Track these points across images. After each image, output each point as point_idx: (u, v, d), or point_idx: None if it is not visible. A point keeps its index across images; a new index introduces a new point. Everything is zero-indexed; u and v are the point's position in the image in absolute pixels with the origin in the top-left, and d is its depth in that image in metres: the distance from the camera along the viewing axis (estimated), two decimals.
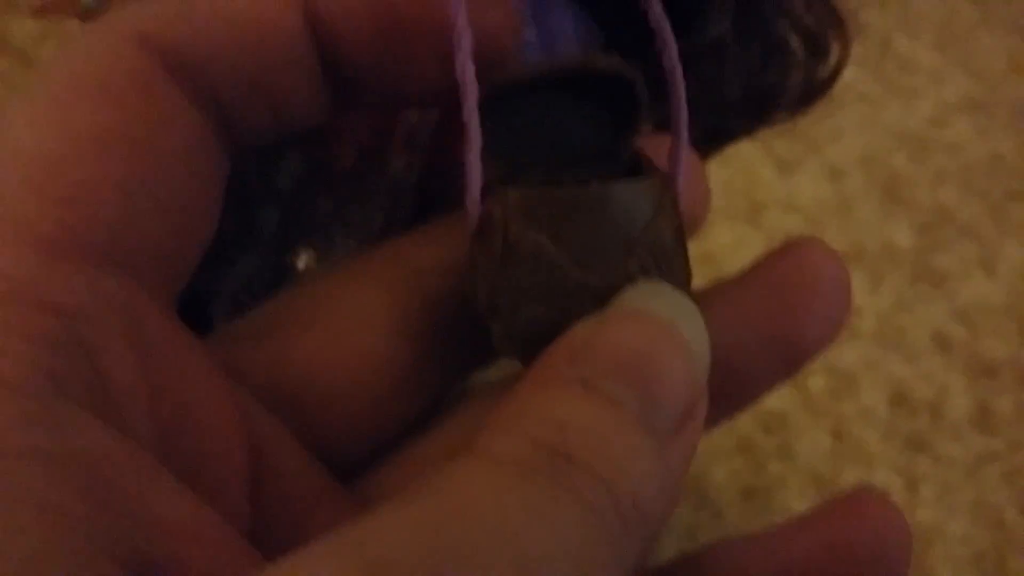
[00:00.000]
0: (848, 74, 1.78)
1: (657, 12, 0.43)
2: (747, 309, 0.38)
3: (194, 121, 0.32)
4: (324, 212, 0.63)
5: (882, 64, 1.83)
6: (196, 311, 0.64)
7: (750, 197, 1.55)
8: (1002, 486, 1.31)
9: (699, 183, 0.46)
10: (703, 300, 0.38)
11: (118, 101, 0.30)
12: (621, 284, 0.39)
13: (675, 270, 0.40)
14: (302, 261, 0.63)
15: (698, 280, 1.24)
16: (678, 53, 0.52)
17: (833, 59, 0.71)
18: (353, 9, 0.34)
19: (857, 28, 0.72)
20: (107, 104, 0.30)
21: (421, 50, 0.36)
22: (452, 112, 0.55)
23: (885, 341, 1.43)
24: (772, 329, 0.40)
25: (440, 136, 0.62)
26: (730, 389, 0.38)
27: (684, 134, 0.45)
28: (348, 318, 0.37)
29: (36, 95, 0.31)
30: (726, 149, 0.75)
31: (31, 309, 0.26)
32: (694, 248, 1.17)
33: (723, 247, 1.48)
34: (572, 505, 0.26)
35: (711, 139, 0.74)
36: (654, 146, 0.44)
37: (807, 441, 1.29)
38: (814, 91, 0.72)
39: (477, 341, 0.37)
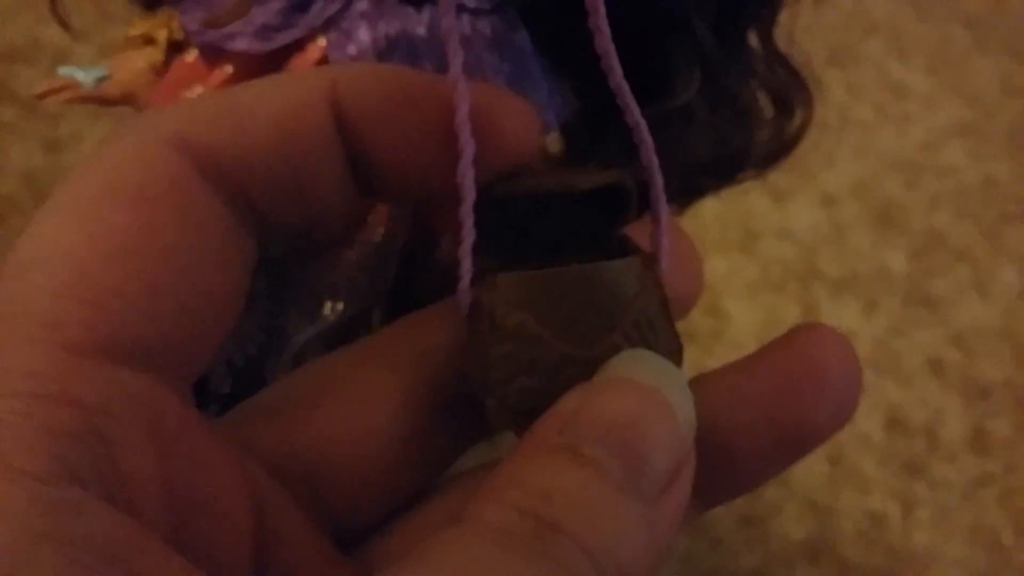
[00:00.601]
0: (842, 102, 1.81)
1: (633, 119, 0.46)
2: (754, 395, 0.39)
3: (226, 221, 0.34)
4: (312, 277, 0.66)
5: (876, 91, 1.85)
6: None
7: (744, 226, 1.57)
8: (998, 508, 1.32)
9: (691, 263, 0.47)
10: (712, 381, 0.38)
11: (153, 206, 0.31)
12: (607, 355, 0.41)
13: (661, 341, 0.42)
14: (288, 320, 0.66)
15: (699, 310, 1.26)
16: (649, 117, 0.57)
17: (798, 120, 0.74)
18: (378, 108, 0.35)
19: (819, 89, 0.74)
20: (141, 209, 0.31)
21: (440, 148, 0.38)
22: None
23: (880, 366, 1.44)
24: (779, 417, 0.40)
25: (424, 210, 0.65)
26: (734, 472, 0.39)
27: (664, 215, 0.48)
28: (357, 397, 0.37)
29: (70, 196, 0.33)
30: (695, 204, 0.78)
31: (54, 404, 0.28)
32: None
33: (719, 276, 1.50)
34: (556, 574, 0.27)
35: (682, 197, 0.77)
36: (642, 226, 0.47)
37: (803, 468, 1.31)
38: (780, 151, 0.75)
39: (479, 418, 0.39)
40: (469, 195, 0.40)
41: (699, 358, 1.39)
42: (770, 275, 1.51)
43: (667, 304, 0.44)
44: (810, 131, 1.79)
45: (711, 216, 1.56)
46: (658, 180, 0.47)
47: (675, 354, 0.43)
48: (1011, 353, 1.50)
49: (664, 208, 0.47)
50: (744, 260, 1.53)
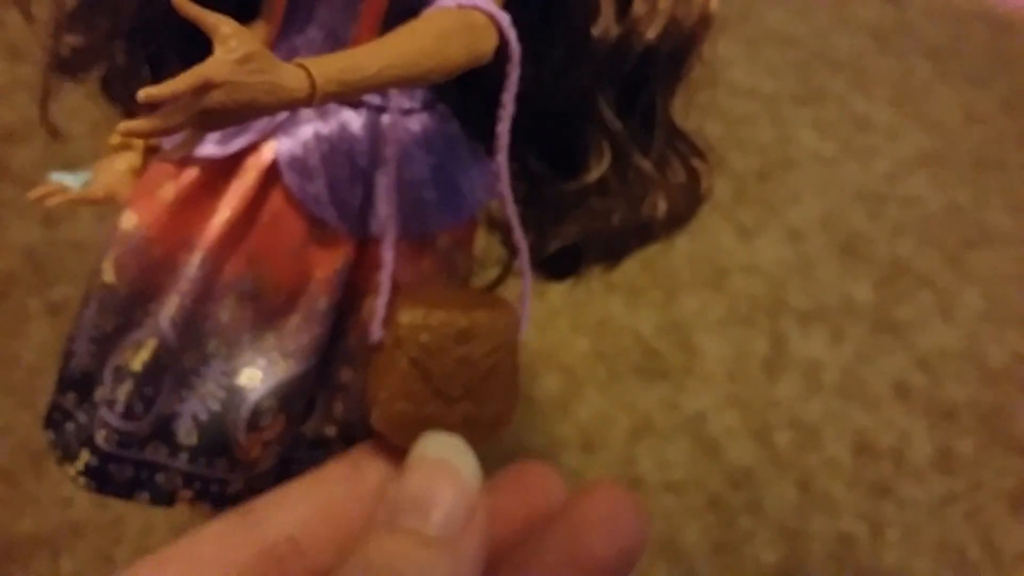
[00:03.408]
0: (806, 138, 1.88)
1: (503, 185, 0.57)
2: (555, 540, 0.50)
3: None
4: (264, 342, 0.74)
5: (841, 125, 1.93)
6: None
7: (714, 264, 1.64)
8: (965, 525, 1.38)
9: (630, 522, 0.56)
10: (532, 530, 0.52)
11: None
12: (459, 394, 0.57)
13: (499, 393, 0.58)
14: (244, 378, 0.73)
15: (671, 347, 1.32)
16: (571, 191, 0.70)
17: (701, 187, 0.81)
18: None
19: (717, 162, 0.82)
20: None
21: None
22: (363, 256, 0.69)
23: (848, 392, 1.50)
24: (574, 560, 0.49)
25: (356, 279, 0.73)
26: None
27: (528, 281, 0.61)
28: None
29: None
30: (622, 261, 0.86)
31: None
32: (665, 316, 1.28)
33: (690, 314, 1.56)
34: None
35: (607, 258, 0.85)
36: None
37: (774, 494, 1.37)
38: (684, 215, 0.82)
39: None
40: (388, 265, 0.53)
41: (672, 394, 1.46)
42: (739, 309, 1.58)
43: (516, 359, 0.61)
44: (777, 168, 1.86)
45: (681, 255, 1.63)
46: (524, 249, 0.61)
47: (511, 405, 0.61)
48: (975, 374, 1.55)
49: (528, 275, 0.60)
50: (714, 296, 1.59)
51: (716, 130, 1.86)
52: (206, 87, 0.53)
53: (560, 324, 1.53)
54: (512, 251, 0.87)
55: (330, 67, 0.57)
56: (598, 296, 1.57)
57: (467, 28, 0.62)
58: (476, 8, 0.62)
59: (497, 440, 0.71)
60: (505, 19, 0.63)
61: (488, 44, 0.63)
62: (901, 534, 1.36)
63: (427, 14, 0.62)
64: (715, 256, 1.64)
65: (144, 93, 0.52)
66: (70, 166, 1.50)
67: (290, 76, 0.56)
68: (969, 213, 1.82)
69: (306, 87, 0.56)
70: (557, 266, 0.82)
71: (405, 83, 0.61)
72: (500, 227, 0.86)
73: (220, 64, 0.54)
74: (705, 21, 0.75)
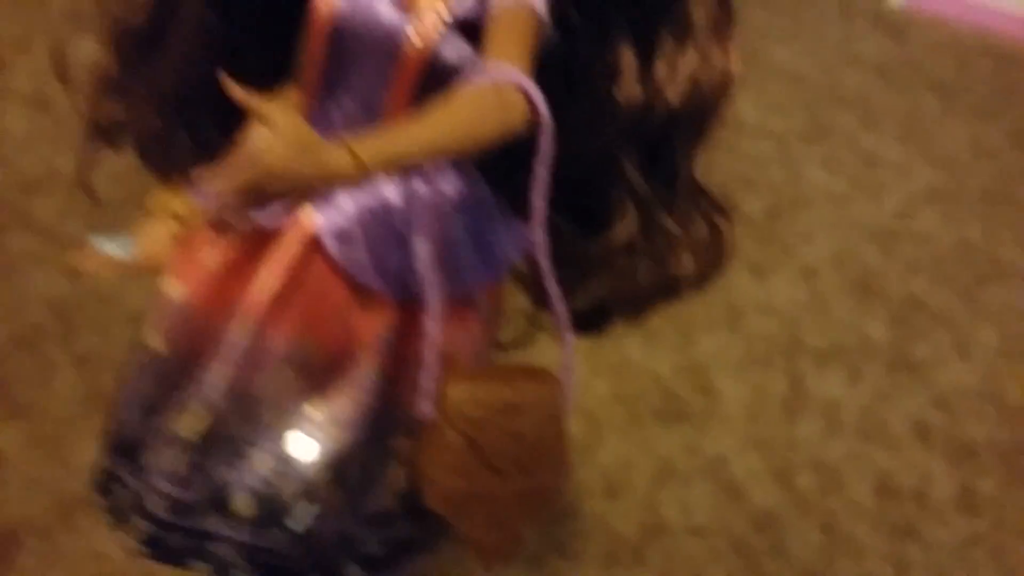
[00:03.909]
0: (816, 176, 1.90)
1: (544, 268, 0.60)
2: None
3: None
4: (312, 409, 0.76)
5: (850, 162, 1.94)
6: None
7: (728, 304, 1.65)
8: (989, 564, 1.39)
9: None
10: None
11: None
12: (510, 468, 0.60)
13: (549, 464, 0.62)
14: (297, 448, 0.75)
15: (690, 389, 1.33)
16: (597, 251, 0.72)
17: (722, 241, 0.83)
18: None
19: (739, 216, 0.84)
20: None
21: None
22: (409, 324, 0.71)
23: (868, 433, 1.51)
24: None
25: (402, 344, 0.75)
26: None
27: (570, 350, 0.63)
28: None
29: None
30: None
31: None
32: (682, 357, 1.29)
33: (708, 355, 1.57)
34: None
35: (635, 313, 0.86)
36: None
37: (798, 537, 1.37)
38: (710, 271, 0.84)
39: None
40: (433, 338, 0.54)
41: (694, 437, 1.46)
42: (756, 350, 1.59)
43: (563, 429, 0.63)
44: (788, 207, 1.87)
45: (695, 295, 1.64)
46: (564, 318, 0.63)
47: (562, 473, 0.63)
48: (994, 411, 1.56)
49: (570, 341, 0.63)
50: (730, 337, 1.60)
51: (726, 169, 1.88)
52: (261, 172, 0.57)
53: (578, 367, 1.54)
54: (538, 304, 0.89)
55: (374, 147, 0.61)
56: (614, 338, 1.58)
57: (500, 103, 0.65)
58: (509, 82, 0.64)
59: (548, 512, 0.72)
60: (536, 93, 0.65)
61: (520, 117, 0.65)
62: None
63: (462, 90, 0.64)
64: (729, 296, 1.65)
65: (208, 185, 0.54)
66: (91, 216, 1.51)
67: (336, 158, 0.60)
68: (981, 249, 1.83)
69: (351, 168, 0.60)
70: (583, 322, 0.83)
71: (443, 158, 0.63)
72: (524, 281, 0.88)
73: (272, 150, 0.57)
74: (726, 83, 0.77)
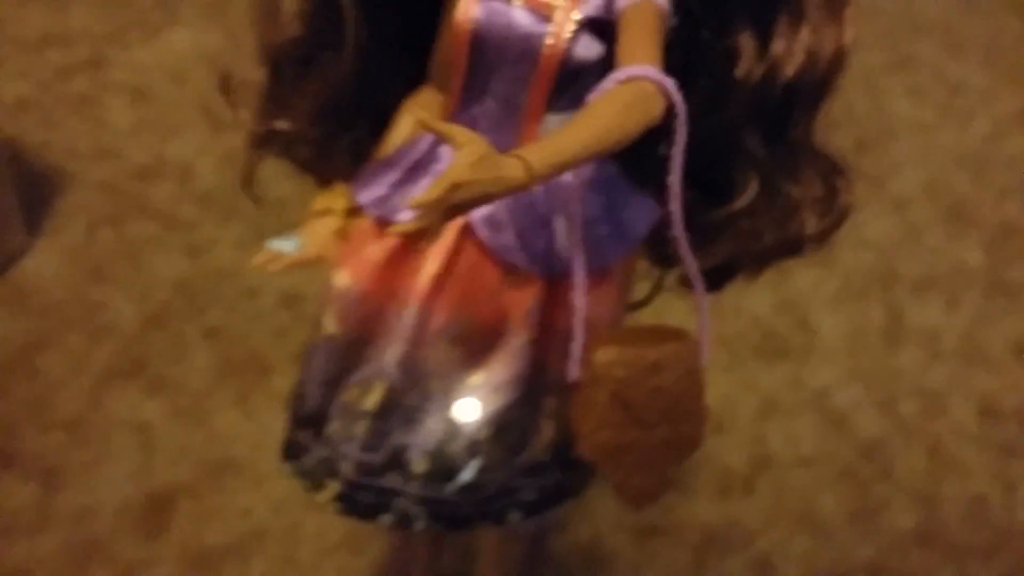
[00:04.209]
0: (902, 107, 1.90)
1: (677, 231, 0.65)
2: None
3: None
4: (472, 378, 0.85)
5: (934, 91, 1.94)
6: None
7: None
8: None
9: None
10: None
11: None
12: (655, 420, 0.65)
13: (690, 415, 0.66)
14: (461, 411, 0.83)
15: (789, 326, 1.37)
16: (721, 216, 0.76)
17: (842, 199, 0.87)
18: None
19: (855, 172, 0.88)
20: None
21: None
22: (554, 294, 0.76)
23: (968, 357, 1.54)
24: None
25: (549, 314, 0.82)
26: None
27: (706, 311, 0.68)
28: None
29: None
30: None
31: None
32: (779, 296, 1.33)
33: (804, 292, 1.61)
34: None
35: (756, 271, 0.92)
36: None
37: (904, 463, 1.41)
38: (830, 229, 0.88)
39: None
40: (580, 310, 0.72)
41: (796, 372, 1.50)
42: (852, 284, 1.62)
43: (702, 384, 0.67)
44: (876, 140, 1.88)
45: None
46: (700, 284, 0.67)
47: (701, 426, 0.67)
48: None
49: (705, 304, 0.67)
50: (825, 273, 1.63)
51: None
52: (453, 189, 0.64)
53: (677, 310, 1.59)
54: (661, 268, 0.95)
55: (542, 155, 0.68)
56: None
57: (641, 99, 0.71)
58: (646, 78, 0.71)
59: (690, 458, 0.79)
60: (671, 84, 0.71)
61: (659, 109, 0.72)
62: None
63: (606, 91, 0.71)
64: None
65: (413, 202, 0.64)
66: (202, 199, 1.60)
67: (511, 168, 0.67)
68: None
69: (524, 176, 0.67)
70: (707, 281, 0.88)
71: (598, 156, 0.71)
72: (646, 245, 0.93)
73: (461, 168, 0.65)
74: (841, 53, 0.81)
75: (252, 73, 0.91)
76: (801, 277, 1.62)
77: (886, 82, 1.95)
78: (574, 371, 0.74)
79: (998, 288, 1.62)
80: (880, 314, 1.58)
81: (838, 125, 1.88)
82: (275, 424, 0.95)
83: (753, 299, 1.59)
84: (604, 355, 0.69)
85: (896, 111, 1.90)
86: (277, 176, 0.94)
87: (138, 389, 1.39)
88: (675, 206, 0.74)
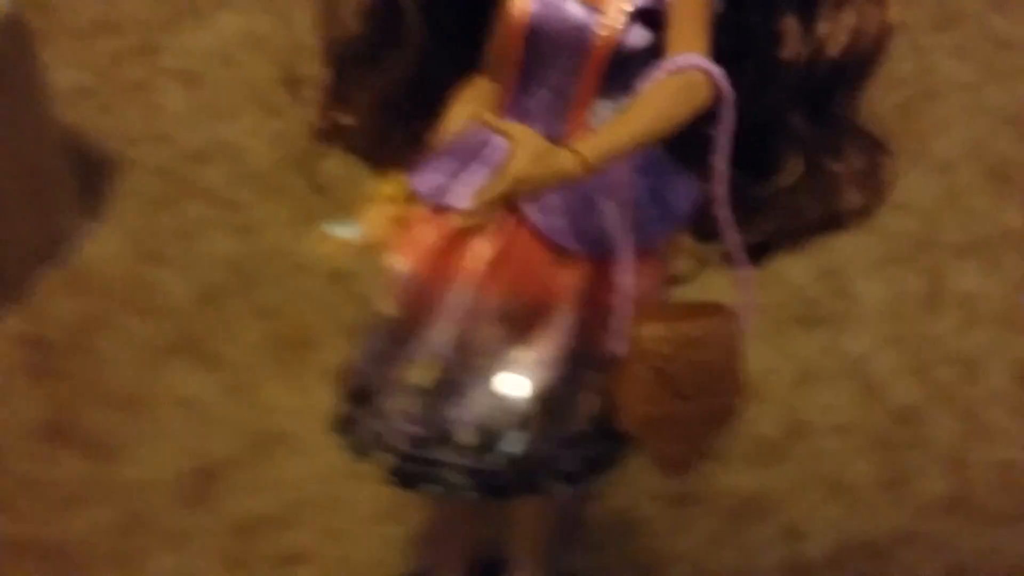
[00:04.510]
0: (946, 66, 1.88)
1: (723, 217, 0.69)
2: None
3: None
4: (521, 354, 0.90)
5: (980, 48, 1.92)
6: None
7: None
8: None
9: None
10: None
11: None
12: (695, 393, 0.69)
13: (728, 388, 0.69)
14: (509, 386, 0.89)
15: (828, 293, 1.37)
16: (765, 193, 0.79)
17: (884, 175, 0.90)
18: None
19: (894, 124, 0.90)
20: None
21: None
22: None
23: (1008, 322, 1.54)
24: None
25: (594, 292, 0.84)
26: None
27: (750, 285, 0.72)
28: None
29: None
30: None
31: None
32: (819, 263, 1.35)
33: (845, 258, 1.62)
34: None
35: (794, 246, 0.95)
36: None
37: (939, 428, 1.43)
38: (872, 205, 0.91)
39: None
40: (625, 288, 0.77)
41: (833, 339, 1.51)
42: (893, 249, 1.62)
43: (739, 357, 0.70)
44: (920, 100, 1.86)
45: None
46: (744, 263, 0.72)
47: (739, 396, 0.76)
48: None
49: (749, 280, 0.71)
50: (867, 238, 1.62)
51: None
52: (515, 184, 0.71)
53: (717, 280, 1.60)
54: (702, 241, 0.98)
55: (595, 147, 0.74)
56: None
57: (689, 88, 0.75)
58: (695, 67, 0.75)
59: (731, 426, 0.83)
60: (719, 72, 0.75)
61: (707, 97, 0.76)
62: None
63: (656, 81, 0.75)
64: None
65: (478, 198, 0.72)
66: (253, 180, 1.65)
67: (568, 161, 0.72)
68: None
69: (579, 168, 0.72)
70: (750, 255, 0.91)
71: (649, 145, 0.75)
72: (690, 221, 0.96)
73: (520, 162, 0.71)
74: (885, 31, 0.83)
75: (312, 68, 0.96)
76: (842, 244, 1.60)
77: (930, 40, 1.92)
78: (619, 346, 0.77)
79: None
80: (920, 279, 1.59)
81: (881, 86, 1.87)
82: (323, 398, 1.01)
83: (793, 266, 1.59)
84: (648, 331, 0.73)
85: (941, 70, 1.88)
86: (325, 158, 0.99)
87: (190, 366, 1.46)
88: (720, 189, 0.77)
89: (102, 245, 1.58)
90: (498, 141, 0.86)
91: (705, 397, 0.77)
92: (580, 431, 0.92)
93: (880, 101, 1.75)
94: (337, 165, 1.01)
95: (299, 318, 1.52)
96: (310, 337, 1.50)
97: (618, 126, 0.75)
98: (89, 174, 1.64)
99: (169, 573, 1.28)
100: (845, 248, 1.62)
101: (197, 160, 1.70)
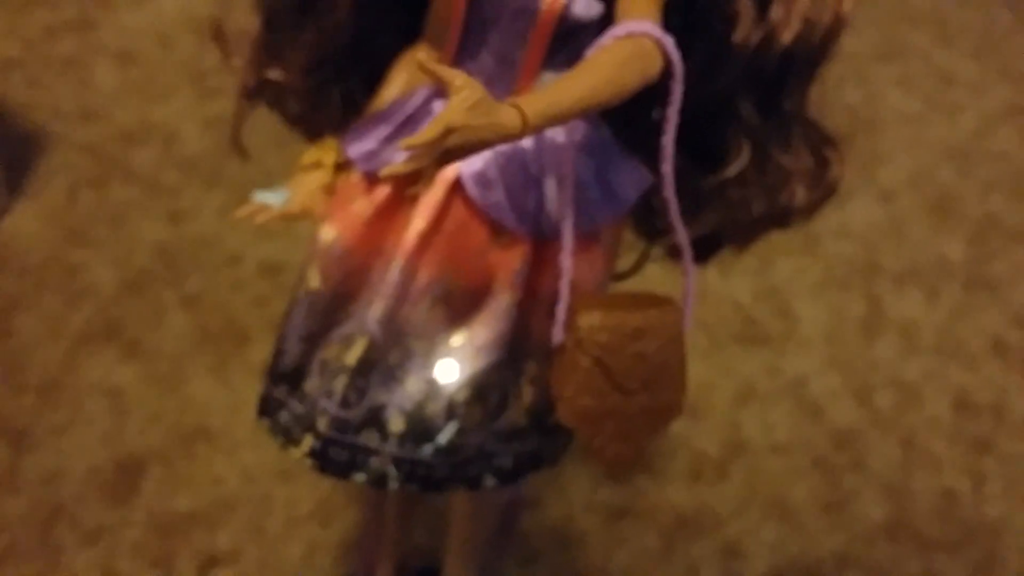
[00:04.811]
0: (892, 96, 1.90)
1: (669, 199, 0.65)
2: None
3: None
4: (455, 337, 0.84)
5: (924, 81, 1.94)
6: None
7: (805, 229, 1.66)
8: None
9: None
10: None
11: None
12: (636, 387, 0.64)
13: (671, 383, 0.66)
14: (441, 371, 0.82)
15: (769, 313, 1.36)
16: (712, 184, 0.75)
17: (832, 172, 0.87)
18: None
19: (847, 147, 0.88)
20: None
21: None
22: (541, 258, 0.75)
23: (945, 351, 1.54)
24: None
25: (535, 276, 0.81)
26: None
27: (692, 278, 0.67)
28: None
29: None
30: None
31: None
32: (760, 283, 1.33)
33: (786, 280, 1.61)
34: None
35: (745, 241, 0.92)
36: None
37: (878, 453, 1.42)
38: (819, 201, 0.88)
39: None
40: (566, 273, 0.72)
41: (774, 360, 1.51)
42: (834, 273, 1.62)
43: (683, 352, 0.67)
44: (864, 129, 1.88)
45: None
46: (687, 248, 0.67)
47: (681, 393, 0.66)
48: None
49: (692, 270, 0.67)
50: (808, 261, 1.63)
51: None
52: (447, 132, 0.64)
53: (661, 284, 1.59)
54: (648, 239, 0.95)
55: (537, 105, 0.68)
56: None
57: (639, 55, 0.71)
58: (645, 34, 0.70)
59: (670, 426, 0.79)
60: (670, 42, 0.71)
61: (656, 67, 0.72)
62: (1003, 487, 1.41)
63: (604, 46, 0.70)
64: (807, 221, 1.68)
65: (405, 143, 0.63)
66: (186, 165, 1.59)
67: (508, 116, 0.66)
68: None
69: (519, 124, 0.67)
70: (694, 251, 0.88)
71: (593, 110, 0.70)
72: (634, 214, 0.93)
73: (456, 112, 0.64)
74: (839, 21, 0.81)
75: (246, 22, 0.90)
76: (784, 265, 1.63)
77: (877, 71, 1.94)
78: (558, 334, 0.73)
79: (978, 282, 1.63)
80: (860, 304, 1.59)
81: (827, 112, 1.88)
82: (250, 393, 0.95)
83: (735, 286, 1.59)
84: (588, 319, 0.69)
85: (886, 101, 1.90)
86: (266, 146, 0.93)
87: (113, 354, 1.39)
88: (667, 168, 0.73)
89: (24, 223, 1.50)
90: (438, 107, 0.83)
91: (646, 392, 0.73)
92: (516, 424, 0.87)
93: (826, 126, 1.77)
94: (276, 149, 0.96)
95: (228, 310, 1.45)
96: (239, 329, 1.44)
97: (562, 86, 0.70)
98: (14, 149, 1.57)
99: (88, 568, 1.22)
100: (787, 270, 1.62)
101: (128, 141, 1.63)
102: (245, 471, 1.30)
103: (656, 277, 1.56)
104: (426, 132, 0.63)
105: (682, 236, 0.75)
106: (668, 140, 0.73)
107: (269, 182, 0.95)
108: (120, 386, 1.36)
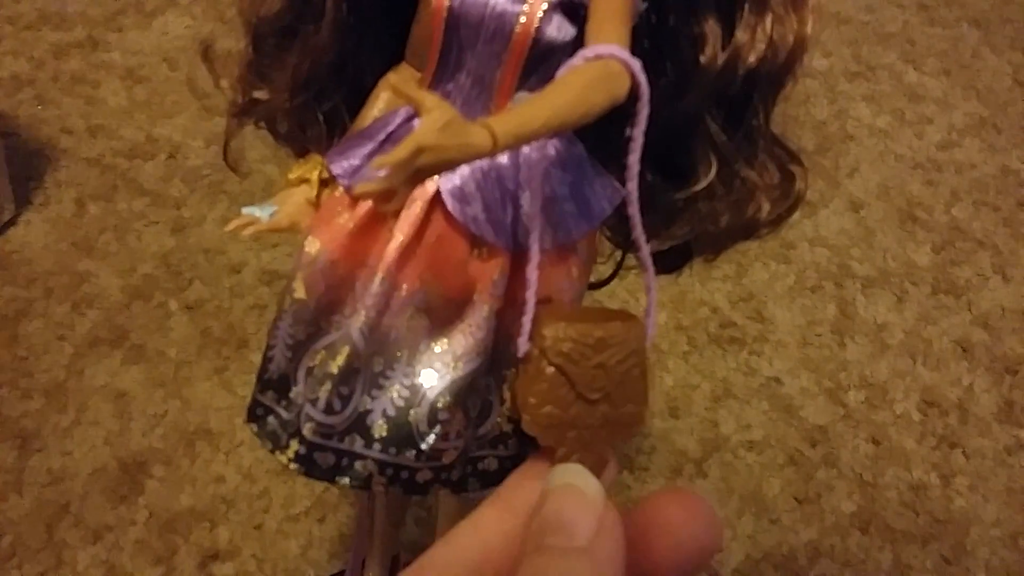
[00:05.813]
0: (861, 112, 1.98)
1: (634, 216, 0.69)
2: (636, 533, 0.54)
3: None
4: (436, 346, 0.88)
5: (893, 98, 2.02)
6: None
7: (780, 237, 1.75)
8: None
9: (707, 525, 0.57)
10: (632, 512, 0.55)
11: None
12: (598, 397, 0.68)
13: (633, 395, 0.69)
14: (423, 378, 0.87)
15: (745, 316, 1.43)
16: (680, 198, 0.79)
17: (797, 186, 0.92)
18: None
19: (815, 162, 0.93)
20: None
21: None
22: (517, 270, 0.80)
23: (913, 353, 1.61)
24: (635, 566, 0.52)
25: (513, 287, 0.86)
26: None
27: (653, 290, 0.72)
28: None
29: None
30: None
31: None
32: (737, 288, 1.40)
33: (760, 284, 1.68)
34: None
35: (713, 252, 0.97)
36: None
37: (850, 449, 1.49)
38: (785, 214, 0.93)
39: None
40: (532, 284, 0.70)
41: (749, 361, 1.58)
42: (806, 279, 1.69)
43: (644, 365, 0.70)
44: (834, 143, 1.96)
45: None
46: (649, 265, 0.72)
47: (643, 406, 0.70)
48: None
49: (653, 283, 0.71)
50: (783, 268, 1.71)
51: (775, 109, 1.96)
52: (418, 152, 0.65)
53: (641, 300, 1.65)
54: (623, 249, 1.00)
55: (507, 125, 0.69)
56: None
57: (607, 77, 0.73)
58: (612, 57, 0.75)
59: (632, 438, 0.85)
60: (637, 65, 0.75)
61: (623, 88, 0.75)
62: (970, 482, 1.47)
63: (573, 67, 0.75)
64: (781, 230, 1.75)
65: (377, 163, 0.64)
66: (190, 178, 1.65)
67: (478, 135, 0.67)
68: (1021, 175, 1.91)
69: (489, 143, 0.68)
70: (666, 262, 0.94)
71: (562, 130, 0.74)
72: (609, 227, 0.98)
73: (427, 133, 0.65)
74: (801, 43, 0.86)
75: (236, 45, 0.95)
76: (759, 271, 1.70)
77: (846, 88, 2.03)
78: (523, 345, 0.78)
79: (945, 287, 1.70)
80: (832, 308, 1.66)
81: (800, 126, 1.96)
82: (249, 395, 1.00)
83: (713, 291, 1.66)
84: (551, 330, 0.73)
85: (856, 116, 1.97)
86: (264, 159, 0.99)
87: (118, 358, 1.45)
88: (632, 186, 0.77)
89: (32, 233, 1.56)
90: (417, 126, 0.85)
91: (609, 402, 0.76)
92: (498, 429, 0.90)
93: (798, 140, 1.84)
94: (274, 161, 1.00)
95: (229, 316, 1.52)
96: (239, 335, 1.50)
97: (532, 106, 0.71)
98: (23, 163, 1.63)
99: (92, 566, 1.26)
100: (762, 275, 1.70)
101: (133, 155, 1.69)
102: (245, 470, 1.36)
103: (636, 285, 1.62)
104: (397, 152, 0.64)
105: (645, 252, 0.80)
106: (633, 160, 0.76)
107: (270, 194, 1.01)
108: (125, 389, 1.42)
